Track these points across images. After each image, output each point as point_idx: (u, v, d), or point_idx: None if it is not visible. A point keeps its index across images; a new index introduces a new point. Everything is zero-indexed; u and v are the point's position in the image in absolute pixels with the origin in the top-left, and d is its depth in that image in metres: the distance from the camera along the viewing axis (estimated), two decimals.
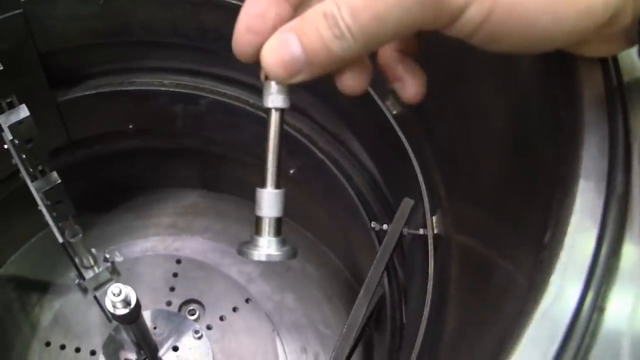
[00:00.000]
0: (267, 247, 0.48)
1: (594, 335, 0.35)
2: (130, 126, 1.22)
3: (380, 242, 0.82)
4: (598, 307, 0.36)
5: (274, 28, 0.42)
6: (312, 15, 0.40)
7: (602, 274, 0.36)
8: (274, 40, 0.42)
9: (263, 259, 0.47)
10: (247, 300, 1.29)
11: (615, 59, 0.44)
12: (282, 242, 0.48)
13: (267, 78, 0.45)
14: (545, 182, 0.45)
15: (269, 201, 0.47)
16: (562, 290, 0.36)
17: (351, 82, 0.44)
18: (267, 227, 0.48)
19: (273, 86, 0.45)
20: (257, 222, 0.48)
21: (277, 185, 0.47)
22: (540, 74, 0.50)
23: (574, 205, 0.38)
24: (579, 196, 0.39)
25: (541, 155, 0.48)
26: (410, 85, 0.48)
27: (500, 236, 0.54)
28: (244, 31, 0.43)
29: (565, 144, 0.43)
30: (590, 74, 0.44)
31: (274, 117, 0.46)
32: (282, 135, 0.47)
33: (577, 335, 0.35)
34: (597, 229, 0.38)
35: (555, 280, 0.36)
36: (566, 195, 0.40)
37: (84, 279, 1.04)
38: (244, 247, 0.48)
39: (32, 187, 0.86)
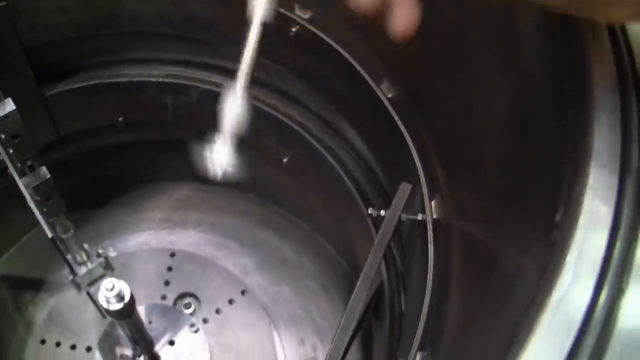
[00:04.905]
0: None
1: (611, 323, 0.33)
2: (120, 119, 1.20)
3: (377, 230, 0.81)
4: (616, 292, 0.34)
5: None
6: None
7: (619, 257, 0.34)
8: None
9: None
10: (243, 293, 1.28)
11: (624, 31, 0.42)
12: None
13: None
14: (553, 162, 0.44)
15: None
16: (578, 275, 0.34)
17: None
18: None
19: None
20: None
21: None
22: (545, 50, 0.48)
23: (586, 185, 0.36)
24: (591, 174, 0.37)
25: (547, 135, 0.47)
26: (401, 14, 0.43)
27: (506, 221, 0.52)
28: None
29: (572, 122, 0.41)
30: (599, 47, 0.42)
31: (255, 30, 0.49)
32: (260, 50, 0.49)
33: (595, 323, 0.33)
34: (612, 208, 0.36)
35: (570, 263, 0.34)
36: (577, 174, 0.37)
37: (76, 275, 1.02)
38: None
39: (20, 182, 0.84)
